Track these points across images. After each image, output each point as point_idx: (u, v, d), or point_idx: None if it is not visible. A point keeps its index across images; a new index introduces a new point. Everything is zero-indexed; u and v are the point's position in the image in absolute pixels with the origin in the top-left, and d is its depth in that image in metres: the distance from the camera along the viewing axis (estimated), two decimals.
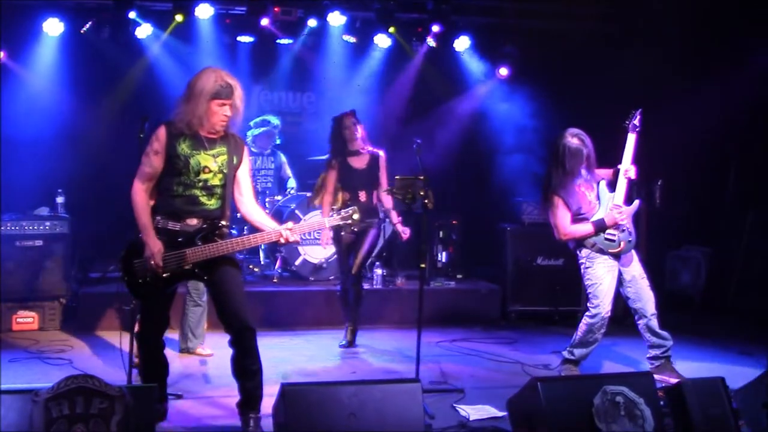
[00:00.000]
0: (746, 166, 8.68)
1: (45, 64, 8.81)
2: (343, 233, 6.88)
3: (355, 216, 4.90)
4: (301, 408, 4.16)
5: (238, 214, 5.07)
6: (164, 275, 4.67)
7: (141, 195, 4.77)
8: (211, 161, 4.75)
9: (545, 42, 9.46)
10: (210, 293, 4.98)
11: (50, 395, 3.75)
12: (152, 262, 4.64)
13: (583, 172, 6.03)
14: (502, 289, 8.56)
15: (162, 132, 4.73)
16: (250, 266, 8.96)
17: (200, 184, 4.73)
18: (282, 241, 4.77)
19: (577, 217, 6.01)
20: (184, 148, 4.71)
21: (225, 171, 4.78)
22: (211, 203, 4.78)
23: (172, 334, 6.48)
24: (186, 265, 4.70)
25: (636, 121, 5.98)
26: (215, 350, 6.61)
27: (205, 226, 4.75)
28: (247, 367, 4.72)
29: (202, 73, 4.74)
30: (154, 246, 4.65)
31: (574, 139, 5.95)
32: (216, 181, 4.77)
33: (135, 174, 4.84)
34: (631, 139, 5.98)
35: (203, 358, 6.65)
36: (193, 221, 4.75)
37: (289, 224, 4.81)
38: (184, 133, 4.71)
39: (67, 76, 8.89)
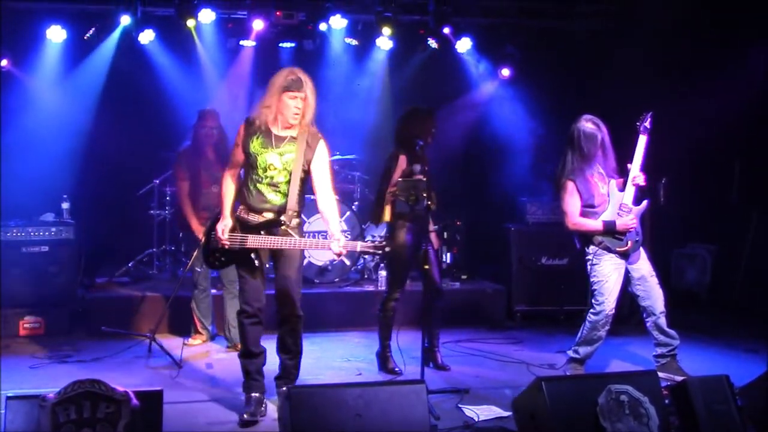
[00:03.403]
0: (752, 163, 8.66)
1: (48, 71, 8.84)
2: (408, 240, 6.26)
3: (387, 250, 5.08)
4: (307, 410, 4.18)
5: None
6: (222, 246, 5.25)
7: (226, 180, 5.35)
8: (277, 159, 5.15)
9: (547, 42, 9.47)
10: (274, 283, 5.39)
11: (57, 400, 3.77)
12: (218, 235, 5.22)
13: (597, 166, 6.06)
14: (507, 289, 8.55)
15: (241, 128, 5.27)
16: None
17: (266, 180, 5.17)
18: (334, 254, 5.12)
19: (588, 209, 6.03)
20: (255, 146, 5.16)
21: (290, 169, 5.16)
22: (277, 200, 5.19)
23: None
24: (245, 248, 5.19)
25: (647, 123, 6.04)
26: None
27: (270, 219, 5.18)
28: (289, 347, 5.34)
29: (277, 72, 5.18)
30: (223, 224, 5.25)
31: (589, 123, 6.03)
32: (280, 178, 5.17)
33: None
34: (642, 140, 6.04)
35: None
36: (268, 215, 5.19)
37: (343, 241, 5.05)
38: (258, 131, 5.16)
39: (71, 82, 8.92)
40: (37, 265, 7.60)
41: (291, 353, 5.37)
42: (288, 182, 5.16)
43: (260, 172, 5.15)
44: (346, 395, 4.27)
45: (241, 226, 5.25)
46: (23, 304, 7.49)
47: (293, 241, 5.13)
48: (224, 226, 5.23)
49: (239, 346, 6.83)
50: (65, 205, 8.02)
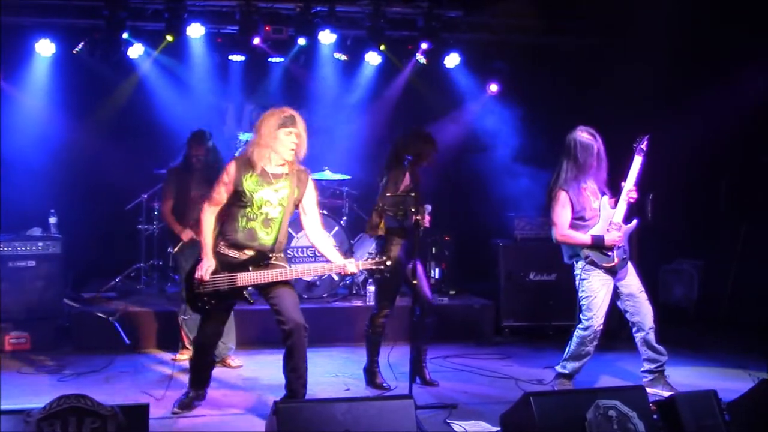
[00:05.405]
0: (738, 179, 8.72)
1: (37, 85, 8.86)
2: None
3: (388, 263, 5.34)
4: (295, 425, 4.17)
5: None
6: (209, 290, 5.27)
7: (208, 218, 5.40)
8: (273, 195, 5.30)
9: (535, 58, 9.52)
10: (267, 302, 5.38)
11: (42, 415, 3.75)
12: (199, 276, 5.24)
13: (591, 180, 6.09)
14: (496, 305, 8.54)
15: (231, 167, 5.33)
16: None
17: (261, 217, 5.28)
18: (347, 273, 5.42)
19: (579, 222, 6.05)
20: (249, 184, 5.26)
21: (284, 204, 5.32)
22: (268, 239, 5.31)
23: None
24: (236, 287, 5.26)
25: (643, 146, 6.08)
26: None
27: (253, 255, 5.28)
28: (296, 362, 5.27)
29: (264, 115, 5.35)
30: (206, 263, 5.28)
31: (585, 133, 6.06)
32: (275, 214, 5.31)
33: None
34: (638, 161, 6.08)
35: (232, 369, 6.96)
36: (250, 252, 5.29)
37: (352, 260, 5.37)
38: (252, 170, 5.27)
39: (60, 96, 8.93)
40: (23, 279, 7.54)
41: (299, 370, 5.29)
42: (281, 219, 5.32)
43: (255, 209, 5.27)
44: (334, 410, 4.27)
45: (222, 264, 5.31)
46: (9, 319, 7.42)
47: (292, 271, 5.32)
48: (208, 267, 5.27)
49: (227, 360, 6.92)
50: (52, 220, 7.98)
